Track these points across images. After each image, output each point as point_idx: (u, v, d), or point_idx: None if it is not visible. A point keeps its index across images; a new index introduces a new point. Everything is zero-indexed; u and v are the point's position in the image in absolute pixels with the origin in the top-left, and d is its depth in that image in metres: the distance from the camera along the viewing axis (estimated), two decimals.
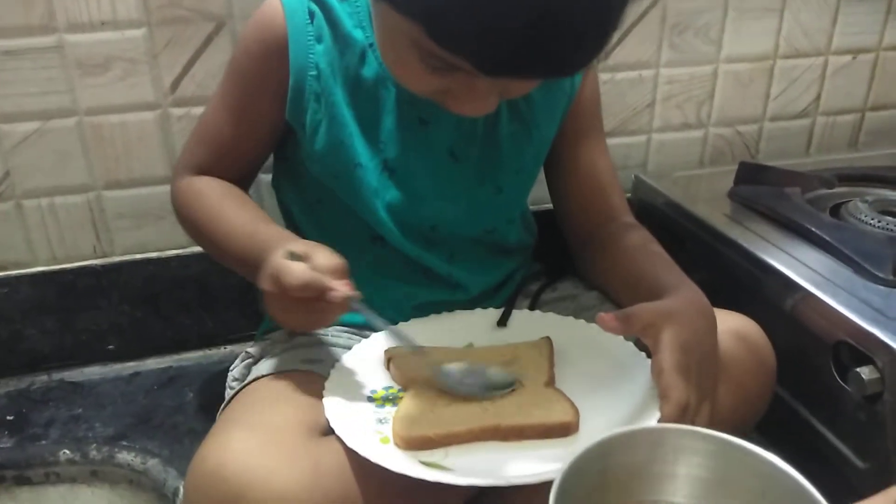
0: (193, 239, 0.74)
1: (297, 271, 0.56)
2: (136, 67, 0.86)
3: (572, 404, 0.60)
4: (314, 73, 0.67)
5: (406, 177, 0.70)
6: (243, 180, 0.75)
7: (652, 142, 1.09)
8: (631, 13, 0.99)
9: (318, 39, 0.67)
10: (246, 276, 0.66)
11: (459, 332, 0.72)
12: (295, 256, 0.58)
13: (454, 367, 0.63)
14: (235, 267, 0.69)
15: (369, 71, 0.68)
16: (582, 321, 0.71)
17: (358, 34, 0.67)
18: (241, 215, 0.69)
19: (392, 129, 0.69)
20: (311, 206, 0.75)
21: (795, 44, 1.09)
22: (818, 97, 1.14)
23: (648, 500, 0.46)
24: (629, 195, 1.04)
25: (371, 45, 0.67)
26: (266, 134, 0.73)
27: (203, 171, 0.73)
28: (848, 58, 1.13)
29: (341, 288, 0.57)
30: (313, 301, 0.57)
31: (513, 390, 0.62)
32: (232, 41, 0.87)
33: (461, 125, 0.71)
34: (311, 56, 0.67)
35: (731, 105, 1.10)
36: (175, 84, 0.88)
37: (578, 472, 0.44)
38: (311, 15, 0.67)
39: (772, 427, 0.72)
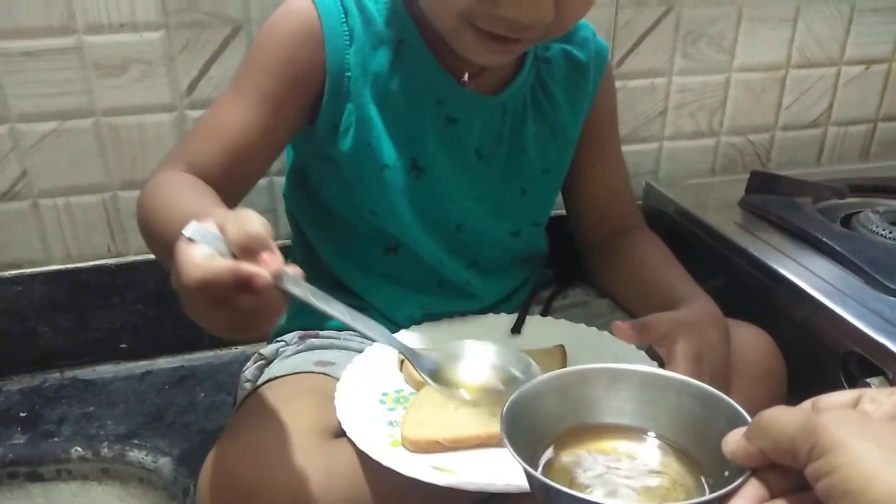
0: (143, 236, 0.62)
1: (191, 265, 0.41)
2: (154, 69, 0.87)
3: None
4: (349, 73, 0.66)
5: (434, 176, 0.70)
6: (243, 185, 0.68)
7: (663, 149, 1.09)
8: (645, 21, 1.00)
9: (350, 39, 0.66)
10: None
11: (472, 337, 0.72)
12: (202, 232, 0.43)
13: (435, 357, 0.55)
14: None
15: (402, 68, 0.67)
16: (594, 329, 0.71)
17: (389, 30, 0.67)
18: (195, 202, 0.56)
19: (422, 127, 0.69)
20: (321, 219, 0.75)
21: (808, 54, 1.09)
22: (830, 107, 1.14)
23: (599, 423, 0.47)
24: (640, 202, 1.05)
25: (402, 40, 0.67)
26: (286, 127, 0.67)
27: (200, 166, 0.63)
28: (860, 68, 1.13)
29: (260, 271, 0.42)
30: (233, 297, 0.42)
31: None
32: (249, 45, 0.87)
33: (488, 125, 0.71)
34: (346, 56, 0.66)
35: (743, 114, 1.10)
36: (192, 86, 0.88)
37: (532, 397, 0.46)
38: (346, 12, 0.66)
39: None
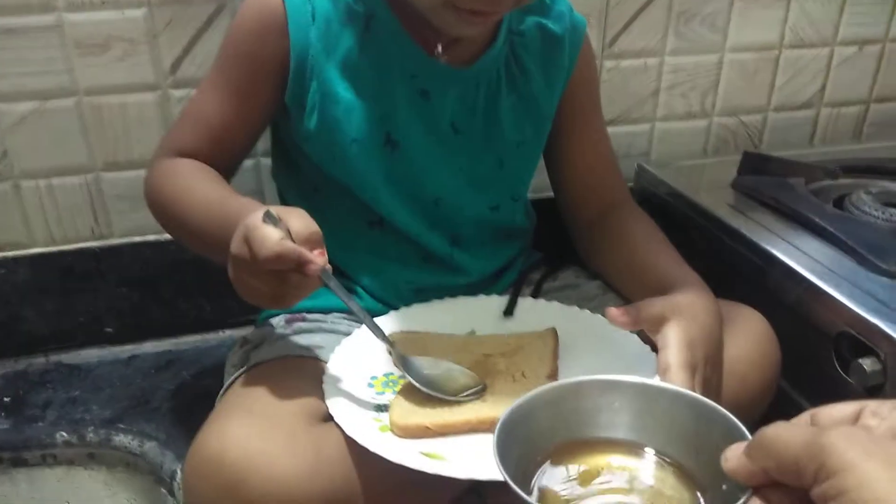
0: (160, 220, 0.70)
1: (271, 241, 0.52)
2: (136, 48, 0.85)
3: None
4: (313, 52, 0.67)
5: (409, 150, 0.70)
6: (229, 166, 0.72)
7: (656, 130, 1.08)
8: (637, 0, 0.99)
9: (313, 18, 0.67)
10: (211, 254, 0.63)
11: (462, 318, 0.71)
12: (271, 219, 0.54)
13: (422, 362, 0.62)
14: (201, 244, 0.65)
15: (373, 43, 0.67)
16: (586, 311, 0.71)
17: (359, 6, 0.67)
18: (213, 189, 0.66)
19: (395, 102, 0.69)
20: (309, 195, 0.74)
21: (801, 34, 1.08)
22: (823, 88, 1.13)
23: (592, 437, 0.46)
24: (632, 184, 1.04)
25: (373, 14, 0.67)
26: (260, 114, 0.71)
27: (188, 154, 0.70)
28: (854, 49, 1.12)
29: (317, 260, 0.53)
30: (286, 272, 0.54)
31: (482, 393, 0.61)
32: None
33: (462, 98, 0.71)
34: (309, 35, 0.67)
35: (735, 94, 1.09)
36: (175, 65, 0.87)
37: (524, 414, 0.45)
38: None
39: (774, 418, 0.72)
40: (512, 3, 0.61)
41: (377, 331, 0.60)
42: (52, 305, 0.93)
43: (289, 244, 0.53)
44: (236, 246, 0.54)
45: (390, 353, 0.61)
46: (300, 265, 0.53)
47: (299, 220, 0.55)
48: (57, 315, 0.93)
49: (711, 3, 1.02)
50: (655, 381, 0.49)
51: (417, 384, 0.59)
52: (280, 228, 0.54)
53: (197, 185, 0.66)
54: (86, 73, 0.85)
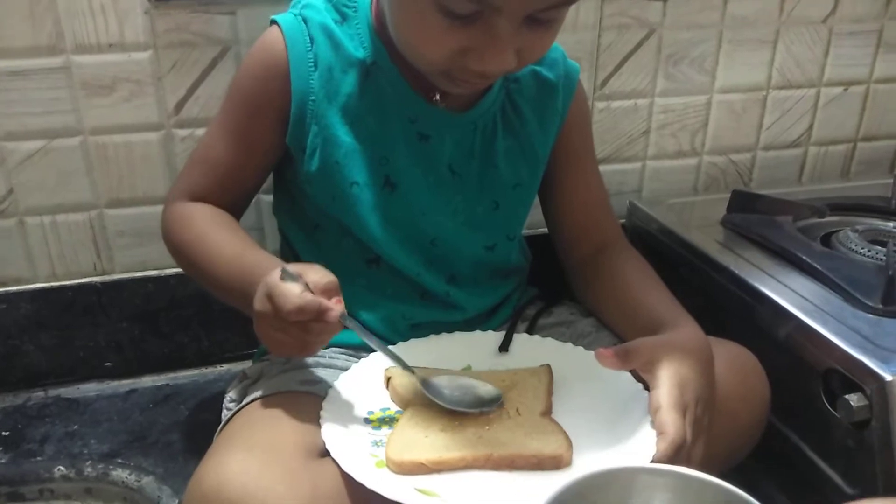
0: (178, 263, 0.74)
1: (293, 295, 0.56)
2: (142, 89, 0.87)
3: (566, 437, 0.60)
4: (313, 97, 0.69)
5: (407, 191, 0.72)
6: (238, 207, 0.76)
7: (647, 169, 1.11)
8: (627, 43, 1.01)
9: (315, 65, 0.69)
10: (228, 301, 0.67)
11: (458, 354, 0.72)
12: (289, 275, 0.58)
13: (442, 380, 0.65)
14: (219, 292, 0.69)
15: (373, 89, 0.70)
16: (580, 348, 0.72)
17: (360, 54, 0.70)
18: (230, 240, 0.69)
19: (394, 145, 0.71)
20: (309, 233, 0.76)
21: (788, 75, 1.11)
22: (810, 127, 1.16)
23: None
24: (623, 221, 1.06)
25: (374, 62, 0.69)
26: (264, 157, 0.74)
27: (198, 196, 0.73)
28: (839, 89, 1.15)
29: (335, 307, 0.57)
30: (308, 322, 0.57)
31: (500, 405, 0.63)
32: (236, 65, 0.88)
33: (460, 141, 0.73)
34: (310, 82, 0.69)
35: (724, 134, 1.12)
36: (179, 106, 0.89)
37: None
38: (311, 41, 0.69)
39: (763, 453, 0.73)
40: (501, 74, 0.64)
41: (398, 360, 0.64)
42: (52, 340, 0.94)
43: (309, 296, 0.56)
44: (260, 303, 0.58)
45: (414, 375, 0.64)
46: (321, 314, 0.57)
47: (316, 273, 0.59)
48: (57, 349, 0.94)
49: (699, 46, 1.05)
50: (697, 472, 0.48)
51: (443, 404, 0.63)
52: (299, 283, 0.57)
53: (211, 235, 0.70)
54: (91, 114, 0.87)
